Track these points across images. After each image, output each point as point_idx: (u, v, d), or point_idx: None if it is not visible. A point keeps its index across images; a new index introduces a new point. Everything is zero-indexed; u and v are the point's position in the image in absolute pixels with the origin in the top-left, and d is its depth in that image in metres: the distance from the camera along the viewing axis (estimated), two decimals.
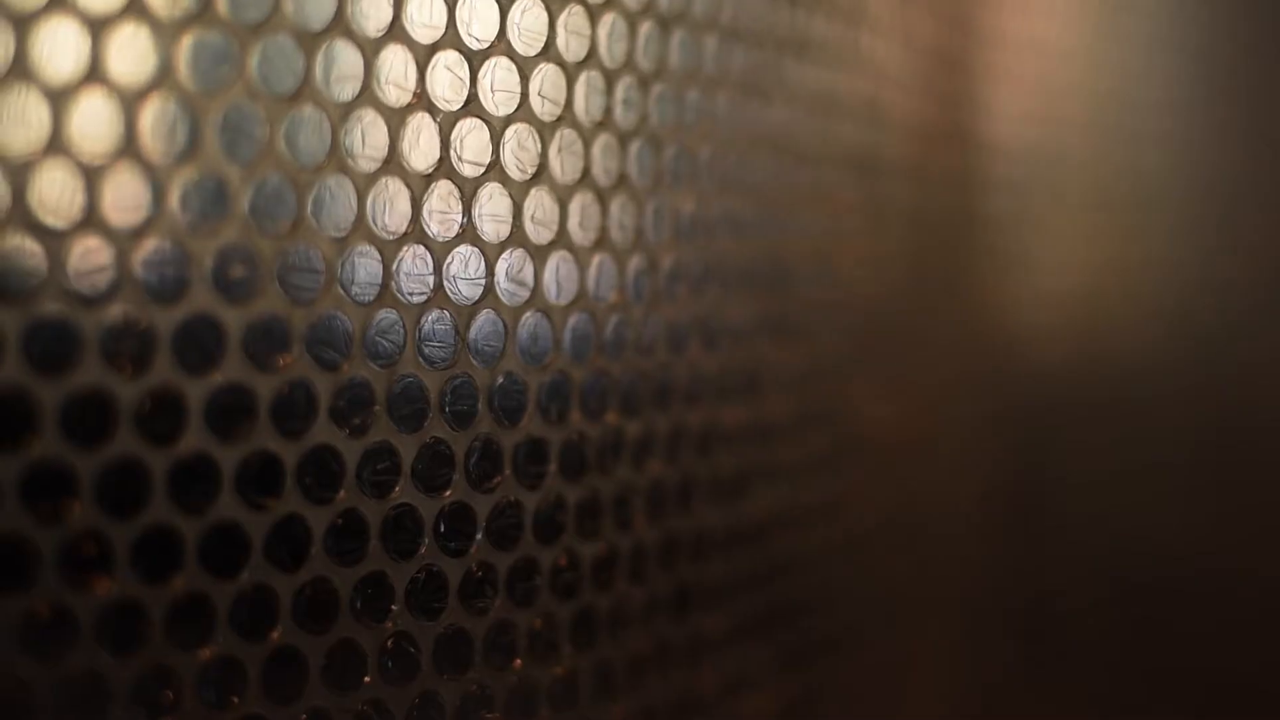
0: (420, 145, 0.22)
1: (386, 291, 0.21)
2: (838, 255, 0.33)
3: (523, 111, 0.23)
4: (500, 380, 0.23)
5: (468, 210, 0.22)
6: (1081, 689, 0.52)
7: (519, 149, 0.23)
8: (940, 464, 0.42)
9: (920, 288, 0.40)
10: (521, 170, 0.23)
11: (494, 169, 0.23)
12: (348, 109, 0.21)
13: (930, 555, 0.41)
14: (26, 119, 0.18)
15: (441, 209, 0.22)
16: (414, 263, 0.22)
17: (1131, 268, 0.54)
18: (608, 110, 0.24)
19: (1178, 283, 0.56)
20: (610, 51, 0.24)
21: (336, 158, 0.21)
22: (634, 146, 0.25)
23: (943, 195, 0.41)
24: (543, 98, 0.23)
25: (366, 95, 0.21)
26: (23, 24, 0.18)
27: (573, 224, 0.24)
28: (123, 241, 0.19)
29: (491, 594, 0.23)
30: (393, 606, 0.22)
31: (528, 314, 0.23)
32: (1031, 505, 0.50)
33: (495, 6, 0.22)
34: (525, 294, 0.23)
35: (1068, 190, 0.50)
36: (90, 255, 0.19)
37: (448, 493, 0.22)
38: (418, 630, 0.22)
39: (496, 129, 0.23)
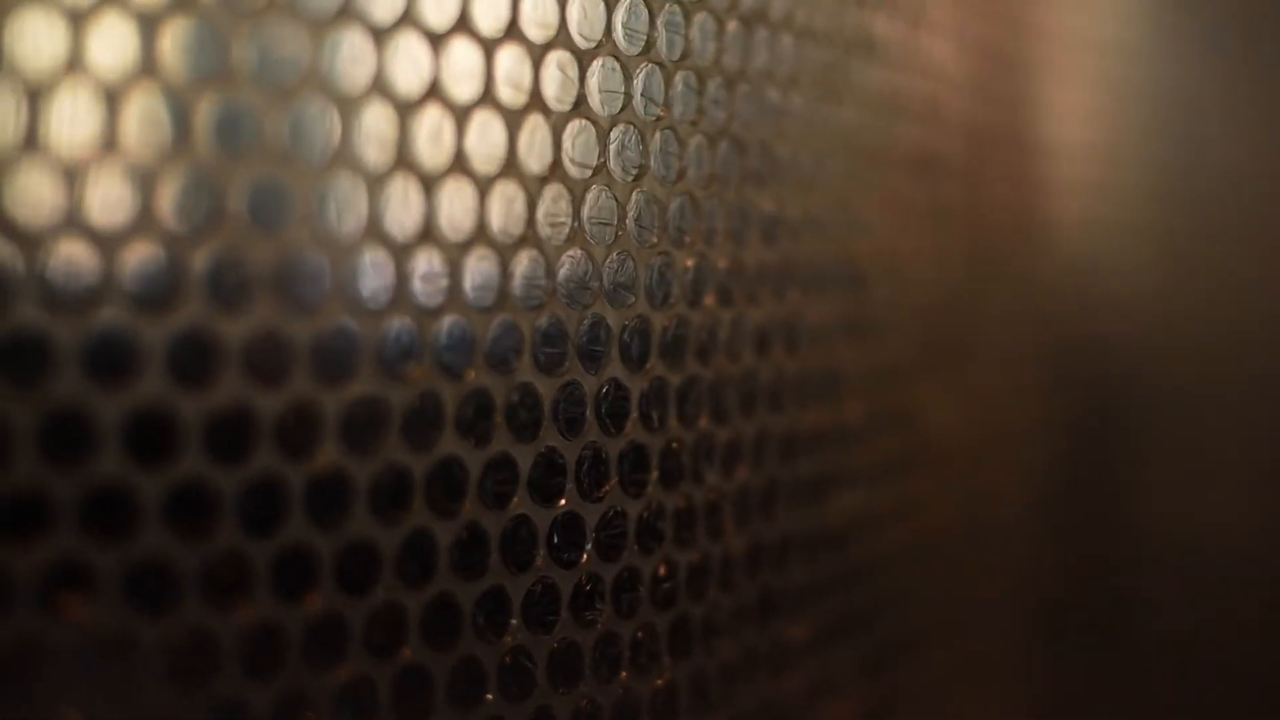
0: (536, 147, 0.21)
1: (505, 297, 0.21)
2: (905, 257, 0.33)
3: (627, 112, 0.22)
4: (606, 387, 0.22)
5: (577, 213, 0.22)
6: (1152, 691, 0.51)
7: (623, 150, 0.22)
8: (1006, 466, 0.42)
9: (980, 289, 0.39)
10: (625, 172, 0.22)
11: (601, 171, 0.22)
12: (468, 110, 0.20)
13: (998, 558, 0.41)
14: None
15: (553, 212, 0.21)
16: (530, 267, 0.21)
17: (1192, 268, 0.54)
18: (700, 110, 0.24)
19: (1238, 283, 0.56)
20: (703, 50, 0.24)
21: (460, 161, 0.20)
22: (722, 146, 0.24)
23: (1000, 196, 0.40)
24: (646, 98, 0.23)
25: (487, 96, 0.21)
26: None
27: (671, 226, 0.23)
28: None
29: (600, 605, 0.23)
30: (511, 620, 0.21)
31: (631, 318, 0.23)
32: (1099, 507, 0.49)
33: (602, 5, 0.22)
34: (630, 298, 0.23)
35: (1125, 190, 0.50)
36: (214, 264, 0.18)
37: (561, 502, 0.22)
38: (533, 644, 0.22)
39: (604, 129, 0.22)
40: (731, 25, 0.25)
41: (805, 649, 0.29)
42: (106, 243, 0.17)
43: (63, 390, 0.18)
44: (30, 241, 0.17)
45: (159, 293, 0.18)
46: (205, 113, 0.18)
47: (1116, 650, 0.50)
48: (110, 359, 0.18)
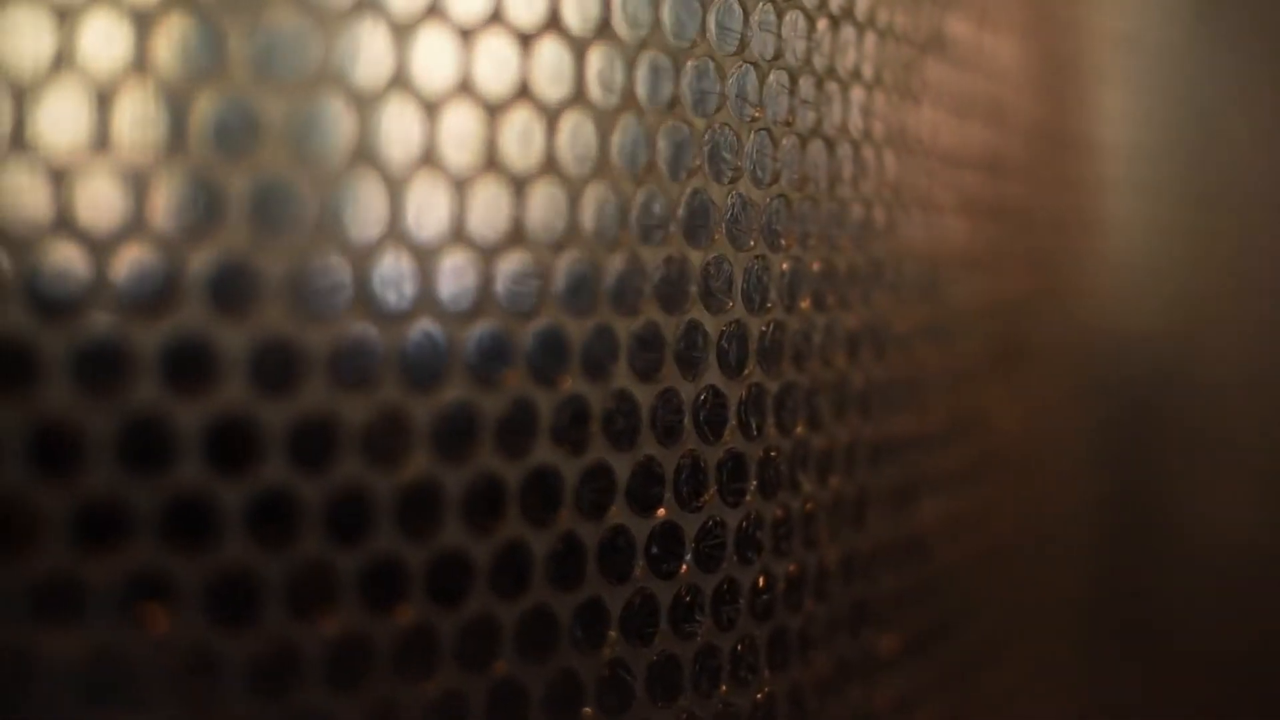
0: (627, 149, 0.21)
1: (598, 301, 0.20)
2: (976, 259, 0.32)
3: (722, 113, 0.22)
4: (703, 394, 0.22)
5: (672, 215, 0.21)
6: (1198, 703, 0.51)
7: (718, 151, 0.22)
8: (1060, 470, 0.41)
9: (1035, 291, 0.39)
10: (720, 174, 0.22)
11: (697, 173, 0.22)
12: (558, 111, 0.20)
13: (1057, 566, 0.41)
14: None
15: (647, 214, 0.21)
16: (624, 269, 0.21)
17: (1234, 270, 0.53)
18: (792, 110, 0.23)
19: None
20: (793, 49, 0.23)
21: (552, 163, 0.20)
22: (814, 147, 0.24)
23: (1052, 196, 0.40)
24: (741, 99, 0.22)
25: (579, 97, 0.20)
26: None
27: (766, 229, 0.23)
28: (360, 256, 0.18)
29: (699, 617, 0.22)
30: (610, 632, 0.21)
31: (728, 323, 0.22)
32: (1141, 511, 0.49)
33: (697, 3, 0.21)
34: (728, 302, 0.22)
35: (1168, 191, 0.50)
36: (331, 270, 0.18)
37: (660, 512, 0.21)
38: (632, 657, 0.21)
39: (699, 130, 0.22)
40: (821, 24, 0.24)
41: (893, 660, 0.28)
42: (173, 248, 0.17)
43: (142, 396, 0.17)
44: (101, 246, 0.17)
45: (237, 297, 0.18)
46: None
47: (1158, 663, 0.49)
48: (192, 364, 0.17)
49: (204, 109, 0.18)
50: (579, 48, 0.20)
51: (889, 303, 0.27)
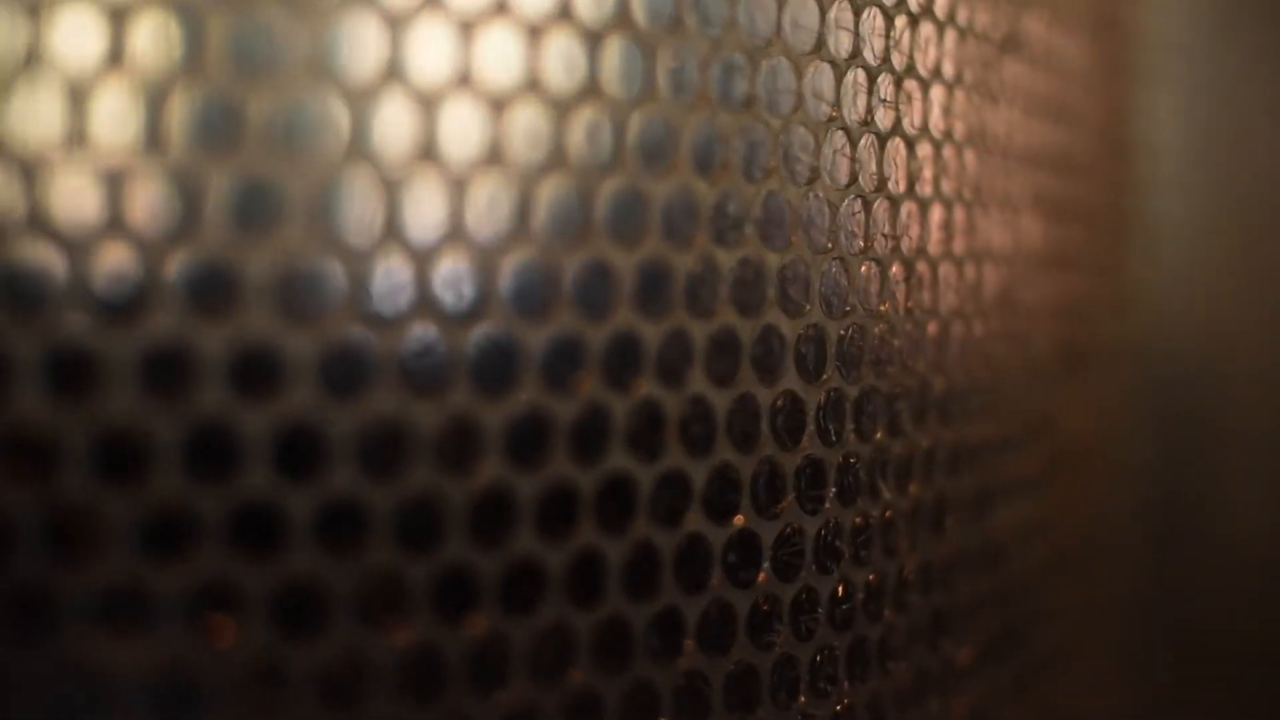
0: (702, 147, 0.20)
1: (672, 304, 0.20)
2: (1047, 258, 0.32)
3: (800, 113, 0.21)
4: (780, 399, 0.21)
5: (748, 216, 0.21)
6: (1243, 703, 0.50)
7: (794, 151, 0.21)
8: (1116, 475, 0.41)
9: (1097, 294, 0.38)
10: (797, 174, 0.21)
11: (774, 174, 0.21)
12: (628, 108, 0.19)
13: (1111, 570, 0.40)
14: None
15: (722, 215, 0.21)
16: (700, 272, 0.20)
17: (1278, 273, 0.53)
18: (869, 109, 0.23)
19: None
20: (872, 47, 0.23)
21: (622, 162, 0.19)
22: (892, 147, 0.23)
23: (1112, 197, 0.39)
24: (817, 98, 0.22)
25: (650, 89, 0.20)
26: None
27: (842, 231, 0.22)
28: (422, 259, 0.18)
29: (778, 627, 0.22)
30: (686, 642, 0.20)
31: (805, 327, 0.22)
32: (1188, 516, 0.48)
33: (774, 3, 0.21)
34: (806, 305, 0.22)
35: (1213, 192, 0.49)
36: (392, 274, 0.17)
37: (737, 519, 0.21)
38: (709, 667, 0.21)
39: (774, 129, 0.21)
40: (900, 21, 0.24)
41: (969, 670, 0.28)
42: (228, 251, 0.17)
43: (209, 403, 0.17)
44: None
45: (309, 305, 0.17)
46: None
47: (1209, 658, 0.49)
48: (259, 370, 0.17)
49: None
50: (648, 45, 0.20)
51: (969, 305, 0.26)
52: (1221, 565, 0.50)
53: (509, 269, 0.19)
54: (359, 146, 0.18)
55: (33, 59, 0.17)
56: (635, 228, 0.20)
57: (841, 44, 0.22)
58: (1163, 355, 0.47)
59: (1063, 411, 0.34)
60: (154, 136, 0.17)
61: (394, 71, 0.18)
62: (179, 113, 0.17)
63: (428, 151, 0.18)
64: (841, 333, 0.22)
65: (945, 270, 0.25)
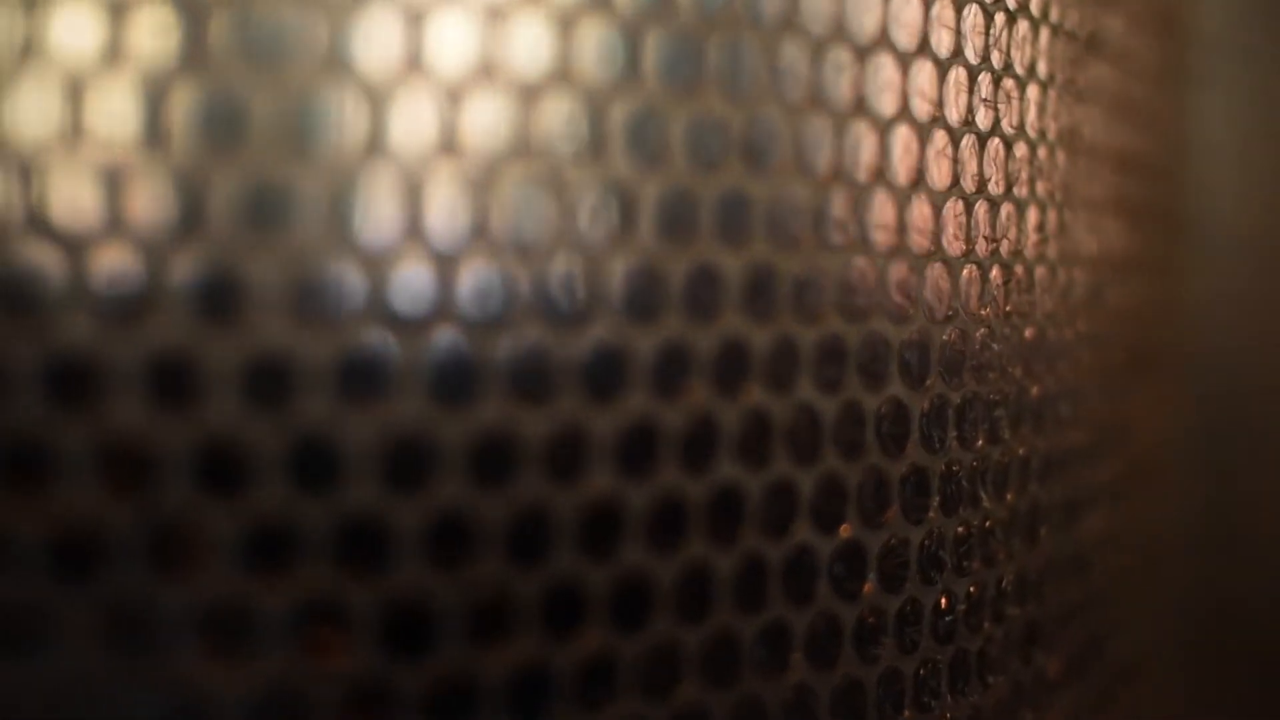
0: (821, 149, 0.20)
1: (782, 313, 0.19)
2: (1128, 260, 0.31)
3: (906, 113, 0.21)
4: (883, 405, 0.21)
5: (859, 221, 0.20)
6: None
7: (903, 152, 0.21)
8: (1184, 480, 0.40)
9: (1160, 298, 0.38)
10: (898, 174, 0.21)
11: (881, 175, 0.20)
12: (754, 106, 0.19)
13: (1173, 580, 0.39)
14: None
15: (832, 219, 0.20)
16: (807, 278, 0.20)
17: None
18: (970, 109, 0.22)
19: None
20: (973, 46, 0.22)
21: (727, 164, 0.19)
22: (992, 147, 0.23)
23: (1170, 200, 0.39)
24: (921, 97, 0.21)
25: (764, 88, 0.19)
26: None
27: (947, 232, 0.22)
28: (529, 264, 0.17)
29: (883, 640, 0.21)
30: (794, 655, 0.20)
31: (909, 331, 0.21)
32: (1239, 527, 0.48)
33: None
34: (910, 308, 0.21)
35: (1265, 196, 0.49)
36: (483, 279, 0.17)
37: (844, 530, 0.20)
38: (816, 681, 0.20)
39: (884, 130, 0.20)
40: (999, 18, 0.23)
41: (1059, 682, 0.27)
42: (373, 262, 0.16)
43: (313, 412, 0.16)
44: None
45: (425, 312, 0.17)
46: None
47: (1261, 665, 0.48)
48: (364, 378, 0.17)
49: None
50: (768, 43, 0.19)
51: (1060, 309, 0.26)
52: (1274, 574, 0.50)
53: (619, 272, 0.18)
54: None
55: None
56: (739, 230, 0.19)
57: (943, 42, 0.22)
58: (1213, 359, 0.47)
59: (1135, 418, 0.34)
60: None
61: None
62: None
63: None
64: (945, 338, 0.22)
65: (1040, 273, 0.25)
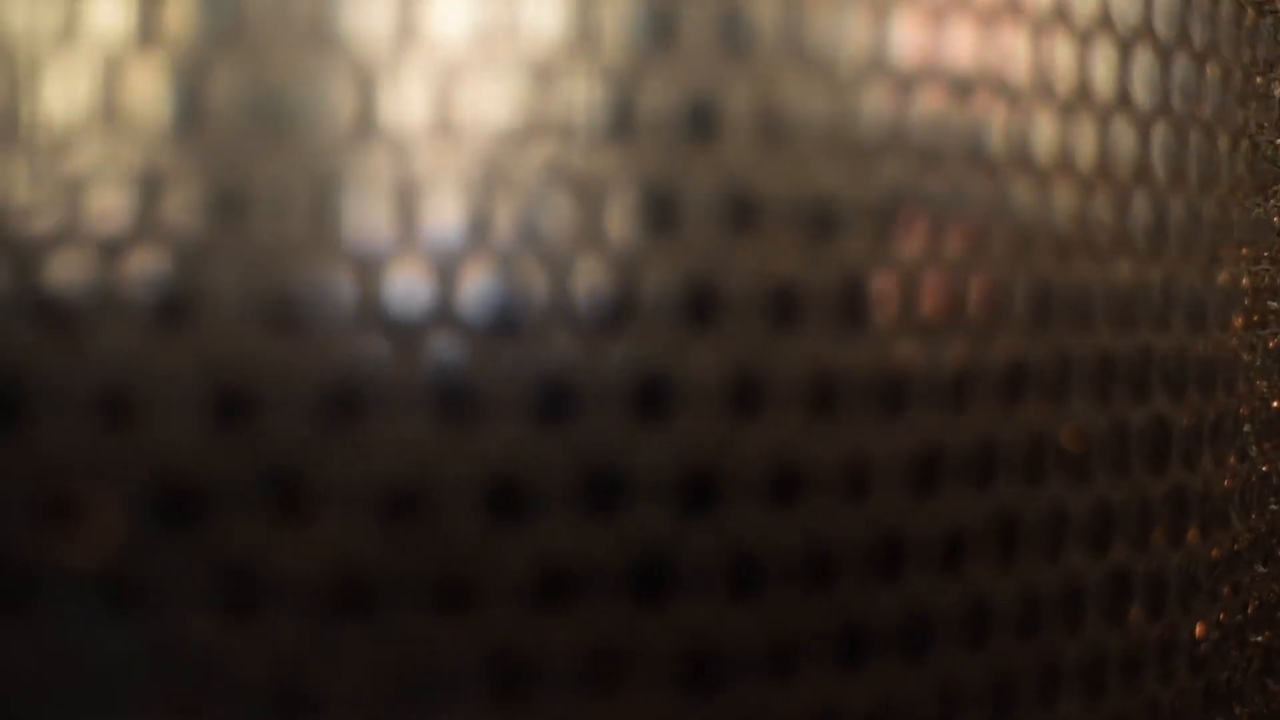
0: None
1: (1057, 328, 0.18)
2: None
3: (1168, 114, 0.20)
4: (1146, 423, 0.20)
5: (1121, 222, 0.19)
6: None
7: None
8: None
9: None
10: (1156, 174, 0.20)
11: (1144, 177, 0.19)
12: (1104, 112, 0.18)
13: None
14: None
15: (1093, 220, 0.19)
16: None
17: None
18: (1224, 108, 0.21)
19: None
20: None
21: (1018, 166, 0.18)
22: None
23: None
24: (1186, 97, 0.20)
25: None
26: None
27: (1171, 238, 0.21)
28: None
29: (1145, 668, 0.20)
30: (1064, 688, 0.19)
31: (1169, 340, 0.20)
32: None
33: None
34: (1172, 322, 0.20)
35: None
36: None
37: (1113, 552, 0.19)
38: (1083, 713, 0.19)
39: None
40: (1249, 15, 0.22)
41: None
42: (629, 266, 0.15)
43: (602, 429, 0.15)
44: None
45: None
46: None
47: None
48: (655, 395, 0.15)
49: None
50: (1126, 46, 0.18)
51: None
52: None
53: (916, 287, 0.17)
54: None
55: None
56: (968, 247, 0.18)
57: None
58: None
59: None
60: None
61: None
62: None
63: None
64: (1200, 348, 0.21)
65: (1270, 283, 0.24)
